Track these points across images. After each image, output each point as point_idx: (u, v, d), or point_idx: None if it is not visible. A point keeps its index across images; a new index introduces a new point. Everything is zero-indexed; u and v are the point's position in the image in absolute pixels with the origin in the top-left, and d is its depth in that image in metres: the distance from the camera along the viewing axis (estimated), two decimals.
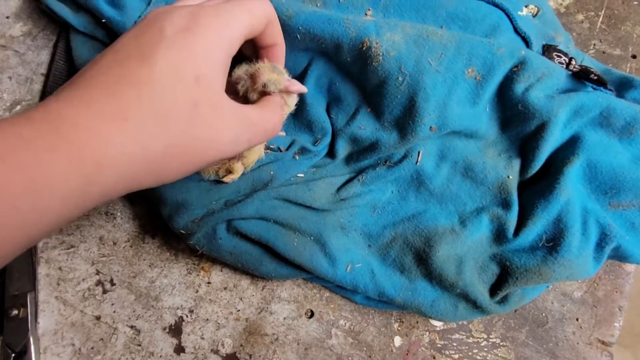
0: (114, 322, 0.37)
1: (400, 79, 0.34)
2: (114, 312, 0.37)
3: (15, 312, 0.35)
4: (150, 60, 0.24)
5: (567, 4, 0.48)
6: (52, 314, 0.36)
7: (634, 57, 0.46)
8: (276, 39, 0.31)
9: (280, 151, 0.36)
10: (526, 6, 0.40)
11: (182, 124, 0.24)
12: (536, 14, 0.40)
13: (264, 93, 0.30)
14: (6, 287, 0.36)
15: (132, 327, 0.37)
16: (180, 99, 0.24)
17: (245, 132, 0.27)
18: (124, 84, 0.23)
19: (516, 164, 0.36)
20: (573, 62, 0.37)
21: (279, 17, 0.34)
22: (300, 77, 0.38)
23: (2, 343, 0.35)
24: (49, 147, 0.20)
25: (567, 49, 0.40)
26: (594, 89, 0.36)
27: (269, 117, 0.29)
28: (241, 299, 0.38)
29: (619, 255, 0.35)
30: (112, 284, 0.37)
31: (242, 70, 0.31)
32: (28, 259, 0.37)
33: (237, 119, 0.26)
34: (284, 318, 0.38)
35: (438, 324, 0.38)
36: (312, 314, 0.38)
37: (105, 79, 0.23)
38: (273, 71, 0.30)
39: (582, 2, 0.48)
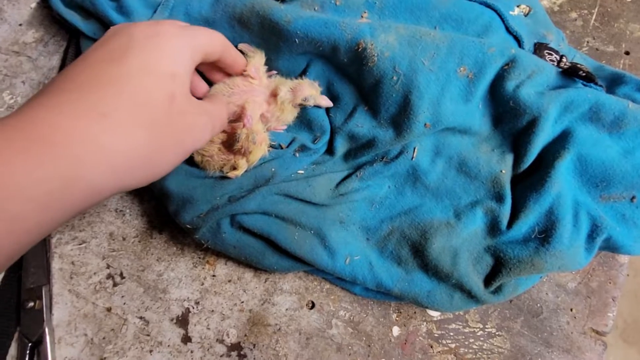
0: (124, 313, 0.38)
1: (394, 78, 0.35)
2: (124, 304, 0.39)
3: (31, 304, 0.37)
4: (122, 60, 0.25)
5: (561, 2, 0.49)
6: (66, 306, 0.38)
7: (627, 53, 0.47)
8: (236, 58, 0.35)
9: (282, 148, 0.37)
10: (518, 6, 0.41)
11: (161, 115, 0.25)
12: (528, 14, 0.41)
13: (297, 105, 0.37)
14: (22, 280, 0.38)
15: (141, 318, 0.38)
16: (158, 93, 0.25)
17: (209, 122, 0.30)
18: (98, 84, 0.24)
19: (509, 158, 0.37)
20: (564, 59, 0.39)
21: (278, 22, 0.36)
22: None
23: (19, 334, 0.37)
24: (20, 150, 0.20)
25: (559, 46, 0.41)
26: (584, 85, 0.37)
27: (221, 108, 0.33)
28: (245, 291, 0.39)
29: (610, 246, 0.36)
30: (122, 277, 0.39)
31: (286, 85, 0.36)
32: (43, 254, 0.39)
33: (203, 110, 0.29)
34: (286, 309, 0.39)
35: (435, 314, 0.39)
36: (313, 305, 0.39)
37: (79, 81, 0.24)
38: (312, 87, 0.37)
39: (576, 0, 0.49)
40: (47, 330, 0.37)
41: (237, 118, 0.36)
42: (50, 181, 0.20)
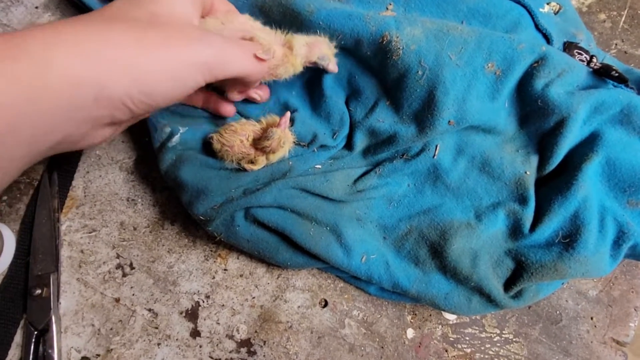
0: (132, 304, 0.38)
1: (420, 72, 0.34)
2: (133, 295, 0.38)
3: (38, 291, 0.36)
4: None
5: (590, 2, 0.48)
6: (74, 294, 0.38)
7: None
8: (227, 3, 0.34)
9: (302, 147, 0.36)
10: (548, 3, 0.40)
11: (145, 20, 0.27)
12: (558, 12, 0.40)
13: (309, 63, 0.34)
14: (30, 267, 0.37)
15: (150, 310, 0.37)
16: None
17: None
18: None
19: (534, 160, 0.36)
20: (594, 59, 0.37)
21: (300, 12, 0.35)
22: (321, 71, 0.38)
23: (26, 321, 0.36)
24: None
25: (589, 47, 0.39)
26: (615, 86, 0.36)
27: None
28: (257, 287, 0.38)
29: (636, 254, 0.35)
30: (132, 267, 0.38)
31: (300, 39, 0.33)
32: (52, 241, 0.38)
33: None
34: (298, 306, 0.38)
35: (451, 318, 0.38)
36: (326, 304, 0.38)
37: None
38: (329, 47, 0.34)
39: (605, 2, 0.48)
40: (53, 318, 0.36)
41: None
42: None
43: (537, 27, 0.38)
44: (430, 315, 0.38)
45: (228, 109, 0.37)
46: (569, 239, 0.34)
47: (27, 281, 0.37)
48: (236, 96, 0.36)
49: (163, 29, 0.27)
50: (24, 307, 0.36)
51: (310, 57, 0.34)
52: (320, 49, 0.34)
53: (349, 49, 0.37)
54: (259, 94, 0.37)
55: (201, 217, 0.35)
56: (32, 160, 0.24)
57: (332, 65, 0.35)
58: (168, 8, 0.28)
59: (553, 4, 0.40)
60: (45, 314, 0.36)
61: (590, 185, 0.34)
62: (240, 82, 0.32)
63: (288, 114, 0.35)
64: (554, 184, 0.36)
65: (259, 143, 0.34)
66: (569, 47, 0.38)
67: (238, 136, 0.35)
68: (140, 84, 0.25)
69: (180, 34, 0.27)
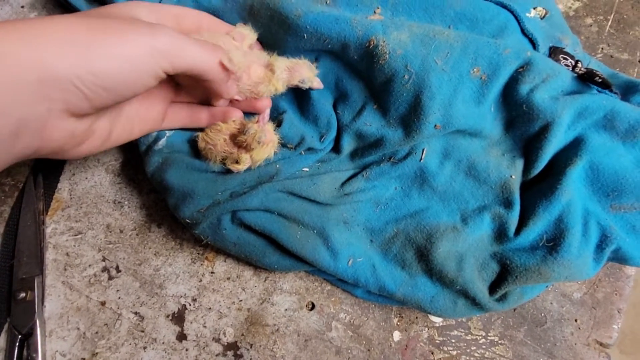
0: (118, 308, 0.37)
1: (406, 77, 0.34)
2: (119, 298, 0.38)
3: (22, 295, 0.36)
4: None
5: (576, 7, 0.48)
6: (59, 298, 0.37)
7: None
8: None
9: (289, 149, 0.36)
10: (534, 8, 0.40)
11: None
12: (544, 16, 0.40)
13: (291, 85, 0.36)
14: (15, 270, 0.37)
15: (136, 313, 0.37)
16: None
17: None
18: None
19: (519, 164, 0.37)
20: (579, 64, 0.38)
21: (288, 16, 0.35)
22: None
23: (9, 325, 0.36)
24: None
25: (574, 51, 0.40)
26: (599, 91, 0.36)
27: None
28: (244, 290, 0.38)
29: (619, 257, 0.36)
30: (118, 270, 0.38)
31: (281, 62, 0.34)
32: (37, 243, 0.37)
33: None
34: (285, 309, 0.38)
35: (437, 320, 0.39)
36: (313, 307, 0.38)
37: None
38: (310, 69, 0.35)
39: (592, 6, 0.48)
40: (38, 322, 0.36)
41: (250, 109, 0.35)
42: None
43: (523, 31, 0.38)
44: (417, 317, 0.39)
45: (263, 103, 0.37)
46: (553, 242, 0.34)
47: (11, 284, 0.37)
48: (220, 102, 0.36)
49: (119, 19, 0.27)
50: (7, 311, 0.36)
51: (291, 81, 0.35)
52: (300, 74, 0.35)
53: (336, 53, 0.37)
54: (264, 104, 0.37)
55: (187, 221, 0.35)
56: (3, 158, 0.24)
57: (315, 84, 0.36)
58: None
59: (539, 8, 0.40)
60: (29, 317, 0.36)
61: (574, 190, 0.35)
62: (207, 87, 0.32)
63: (267, 111, 0.35)
64: (539, 187, 0.36)
65: (237, 138, 0.34)
66: (555, 52, 0.38)
67: (222, 135, 0.35)
68: (90, 64, 0.24)
69: (135, 23, 0.27)
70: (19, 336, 0.35)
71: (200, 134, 0.36)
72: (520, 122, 0.36)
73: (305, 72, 0.35)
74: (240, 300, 0.38)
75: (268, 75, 0.34)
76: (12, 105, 0.23)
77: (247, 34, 0.36)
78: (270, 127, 0.35)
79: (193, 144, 0.37)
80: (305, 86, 0.36)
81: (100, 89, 0.25)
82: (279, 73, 0.34)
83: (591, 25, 0.48)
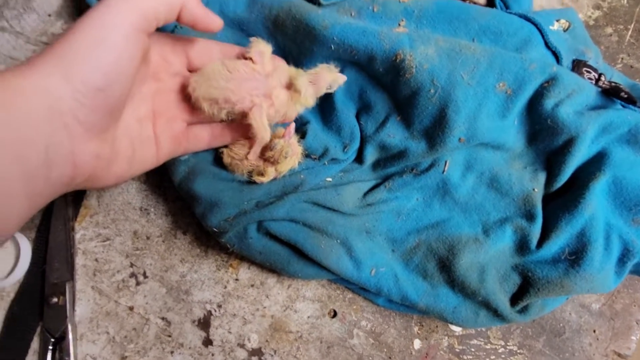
0: (146, 313, 0.38)
1: (432, 91, 0.34)
2: (147, 303, 0.39)
3: (55, 299, 0.37)
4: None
5: (597, 16, 0.48)
6: (89, 302, 0.38)
7: None
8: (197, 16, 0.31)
9: (313, 160, 0.37)
10: (557, 20, 0.40)
11: None
12: (567, 29, 0.40)
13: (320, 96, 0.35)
14: (46, 275, 0.38)
15: (163, 318, 0.38)
16: None
17: None
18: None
19: (542, 177, 0.37)
20: (602, 78, 0.38)
21: (314, 27, 0.35)
22: None
23: (42, 328, 0.37)
24: None
25: (597, 64, 0.40)
26: (623, 106, 0.36)
27: None
28: (267, 297, 0.39)
29: None
30: (145, 276, 0.39)
31: (303, 79, 0.33)
32: (67, 249, 0.38)
33: None
34: (308, 317, 0.39)
35: (457, 329, 0.39)
36: (335, 314, 0.39)
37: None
38: (331, 71, 0.34)
39: (612, 15, 0.48)
40: (69, 326, 0.37)
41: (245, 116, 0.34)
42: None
43: (547, 45, 0.38)
44: (437, 326, 0.39)
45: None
46: (575, 256, 0.34)
47: (43, 289, 0.38)
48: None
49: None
50: (40, 315, 0.37)
51: (319, 92, 0.34)
52: (325, 81, 0.34)
53: (361, 64, 0.37)
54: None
55: (214, 229, 0.36)
56: (38, 197, 0.25)
57: (341, 80, 0.36)
58: None
59: (562, 21, 0.40)
60: (61, 321, 0.37)
61: (596, 204, 0.35)
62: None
63: (293, 125, 0.35)
64: (561, 201, 0.36)
65: (264, 154, 0.35)
66: (578, 65, 0.38)
67: (246, 148, 0.35)
68: (75, 74, 0.25)
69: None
70: (52, 339, 0.36)
71: (225, 150, 0.36)
72: (544, 135, 0.36)
73: (328, 77, 0.34)
74: (264, 307, 0.39)
75: (294, 97, 0.34)
76: (37, 137, 0.24)
77: (264, 50, 0.34)
78: (294, 139, 0.36)
79: (217, 153, 0.38)
80: (333, 89, 0.35)
81: (96, 90, 0.25)
82: (305, 91, 0.33)
83: (611, 35, 0.48)
